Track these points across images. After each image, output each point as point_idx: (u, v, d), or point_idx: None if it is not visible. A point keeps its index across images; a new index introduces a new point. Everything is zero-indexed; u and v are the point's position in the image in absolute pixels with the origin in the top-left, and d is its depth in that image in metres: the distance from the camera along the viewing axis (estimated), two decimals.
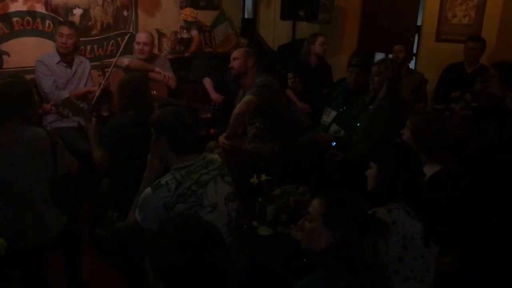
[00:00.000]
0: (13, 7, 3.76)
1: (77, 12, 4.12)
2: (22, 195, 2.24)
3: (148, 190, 1.96)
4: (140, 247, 2.23)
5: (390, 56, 4.51)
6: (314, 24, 4.97)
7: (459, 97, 3.81)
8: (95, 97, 3.74)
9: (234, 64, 3.39)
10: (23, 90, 2.32)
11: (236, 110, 3.28)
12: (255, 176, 2.55)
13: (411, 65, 4.70)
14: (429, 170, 2.28)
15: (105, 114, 3.71)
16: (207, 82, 4.39)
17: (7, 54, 3.52)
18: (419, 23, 4.81)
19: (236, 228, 2.08)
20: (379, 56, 5.03)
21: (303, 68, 4.40)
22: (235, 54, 3.42)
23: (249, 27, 5.50)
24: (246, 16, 5.67)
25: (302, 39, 4.71)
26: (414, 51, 4.77)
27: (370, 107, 3.30)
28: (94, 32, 4.29)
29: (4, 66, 3.48)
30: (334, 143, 3.47)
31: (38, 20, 3.92)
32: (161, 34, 4.66)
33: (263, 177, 2.58)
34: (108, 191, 3.00)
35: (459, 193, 2.34)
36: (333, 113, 3.70)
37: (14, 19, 3.79)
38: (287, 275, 2.19)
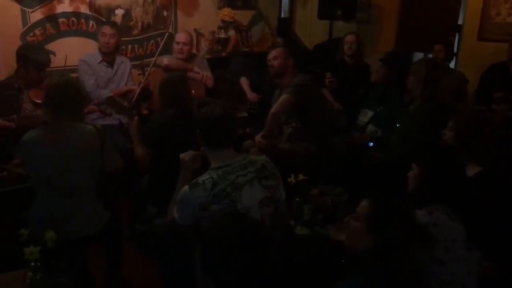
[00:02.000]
0: (60, 8, 3.90)
1: (119, 12, 4.23)
2: (70, 189, 2.34)
3: (186, 188, 1.99)
4: (179, 244, 2.30)
5: (430, 55, 4.43)
6: (352, 24, 4.92)
7: (501, 98, 3.71)
8: (135, 96, 3.85)
9: (274, 63, 3.41)
10: (74, 89, 2.43)
11: (273, 109, 3.31)
12: (292, 176, 2.57)
13: (451, 64, 4.59)
14: (470, 171, 2.25)
15: (144, 112, 3.80)
16: (244, 81, 4.45)
17: (53, 53, 3.66)
18: (460, 21, 4.69)
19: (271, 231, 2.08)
20: (418, 56, 4.94)
21: (339, 67, 4.37)
22: (275, 53, 3.44)
23: (285, 27, 5.50)
24: (282, 16, 5.68)
25: (338, 38, 4.68)
26: (455, 50, 4.66)
27: (410, 107, 3.26)
28: (134, 32, 4.40)
29: (51, 66, 3.61)
30: (372, 143, 3.44)
31: (82, 20, 4.05)
32: (199, 34, 4.73)
33: (300, 176, 2.58)
34: (148, 187, 3.08)
35: (500, 195, 2.29)
36: (370, 114, 3.67)
37: (60, 20, 3.94)
38: (323, 275, 2.20)
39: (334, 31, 5.04)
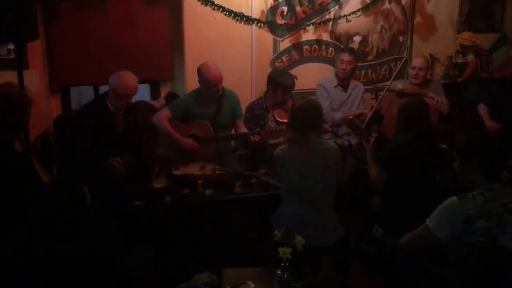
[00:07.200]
0: (305, 37, 4.31)
1: (357, 39, 4.43)
2: (314, 200, 2.55)
3: (454, 198, 2.03)
4: (414, 269, 2.27)
5: None
6: None
7: None
8: (367, 119, 3.95)
9: None
10: (316, 110, 2.66)
11: None
12: None
13: None
14: None
15: (374, 135, 3.87)
16: (482, 109, 4.14)
17: (296, 77, 4.04)
18: None
19: None
20: None
21: None
22: None
23: None
24: None
25: None
26: None
27: None
28: (369, 57, 4.54)
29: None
30: None
31: (323, 47, 4.38)
32: (434, 59, 4.60)
33: None
34: (378, 208, 3.11)
35: None
36: None
37: (304, 47, 4.33)
38: None
39: None
